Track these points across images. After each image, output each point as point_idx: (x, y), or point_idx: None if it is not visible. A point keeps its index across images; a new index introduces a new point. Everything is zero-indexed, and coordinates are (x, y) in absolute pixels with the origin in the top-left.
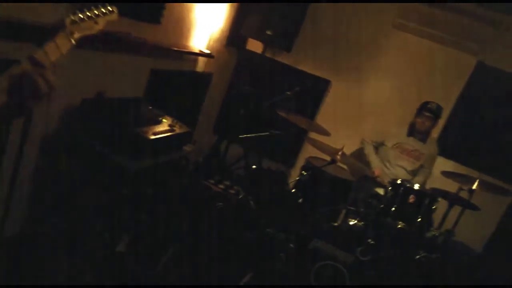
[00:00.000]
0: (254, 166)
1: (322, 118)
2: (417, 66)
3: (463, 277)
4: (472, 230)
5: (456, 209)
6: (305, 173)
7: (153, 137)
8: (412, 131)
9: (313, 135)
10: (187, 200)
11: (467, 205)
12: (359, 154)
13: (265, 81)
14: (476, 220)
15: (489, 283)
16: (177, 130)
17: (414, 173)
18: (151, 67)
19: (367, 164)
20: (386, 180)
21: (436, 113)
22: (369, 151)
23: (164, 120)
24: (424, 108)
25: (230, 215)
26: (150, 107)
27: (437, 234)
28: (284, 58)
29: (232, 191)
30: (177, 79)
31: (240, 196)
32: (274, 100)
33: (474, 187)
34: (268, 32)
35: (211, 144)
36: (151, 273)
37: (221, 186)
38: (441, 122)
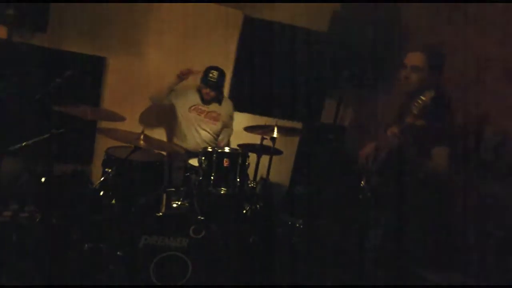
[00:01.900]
0: (42, 179)
1: (110, 102)
2: (193, 28)
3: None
4: (278, 170)
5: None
6: (109, 170)
7: None
8: (202, 99)
9: (104, 123)
10: None
11: (273, 152)
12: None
13: (23, 72)
14: (278, 160)
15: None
16: None
17: (217, 134)
18: None
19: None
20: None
21: (217, 83)
22: None
23: None
24: (205, 80)
25: (31, 243)
26: None
27: (254, 185)
28: (40, 40)
29: (25, 215)
30: None
31: (38, 218)
32: (43, 92)
33: (274, 134)
34: (10, 12)
35: None
36: None
37: (8, 213)
38: (228, 79)
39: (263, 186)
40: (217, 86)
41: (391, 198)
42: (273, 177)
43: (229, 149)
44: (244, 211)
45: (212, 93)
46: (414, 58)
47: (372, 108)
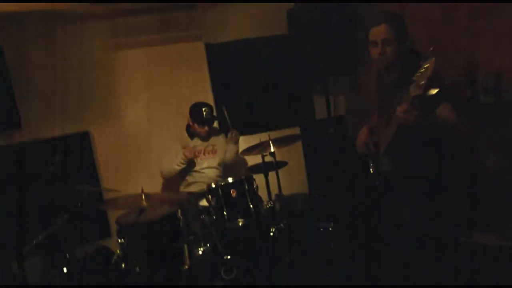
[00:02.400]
0: (64, 269)
1: (107, 170)
2: (162, 73)
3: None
4: (292, 180)
5: (272, 174)
6: (121, 240)
7: None
8: (193, 134)
9: (109, 194)
10: None
11: (277, 166)
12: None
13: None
14: (289, 170)
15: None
16: None
17: (223, 165)
18: None
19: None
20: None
21: (212, 118)
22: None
23: None
24: (200, 119)
25: None
26: None
27: (272, 205)
28: (19, 136)
29: None
30: None
31: None
32: (40, 184)
33: (272, 149)
34: None
35: None
36: None
37: None
38: None
39: (280, 202)
40: (213, 120)
41: (412, 177)
42: (289, 189)
43: (232, 179)
44: (271, 233)
45: (208, 129)
46: (381, 32)
47: (360, 91)
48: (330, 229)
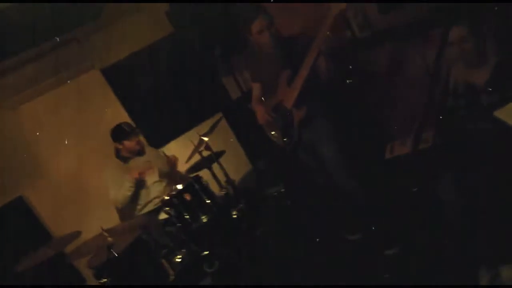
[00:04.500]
0: None
1: (56, 224)
2: (71, 114)
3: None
4: (237, 162)
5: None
6: (104, 280)
7: None
8: (126, 157)
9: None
10: None
11: (217, 157)
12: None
13: None
14: (230, 157)
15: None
16: None
17: (165, 174)
18: None
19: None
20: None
21: (134, 129)
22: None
23: None
24: (122, 135)
25: None
26: None
27: (225, 192)
28: None
29: None
30: None
31: None
32: None
33: (205, 139)
34: None
35: None
36: None
37: None
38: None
39: (232, 187)
40: (137, 132)
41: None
42: (236, 173)
43: (182, 185)
44: (235, 216)
45: (139, 140)
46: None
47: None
48: (282, 190)
